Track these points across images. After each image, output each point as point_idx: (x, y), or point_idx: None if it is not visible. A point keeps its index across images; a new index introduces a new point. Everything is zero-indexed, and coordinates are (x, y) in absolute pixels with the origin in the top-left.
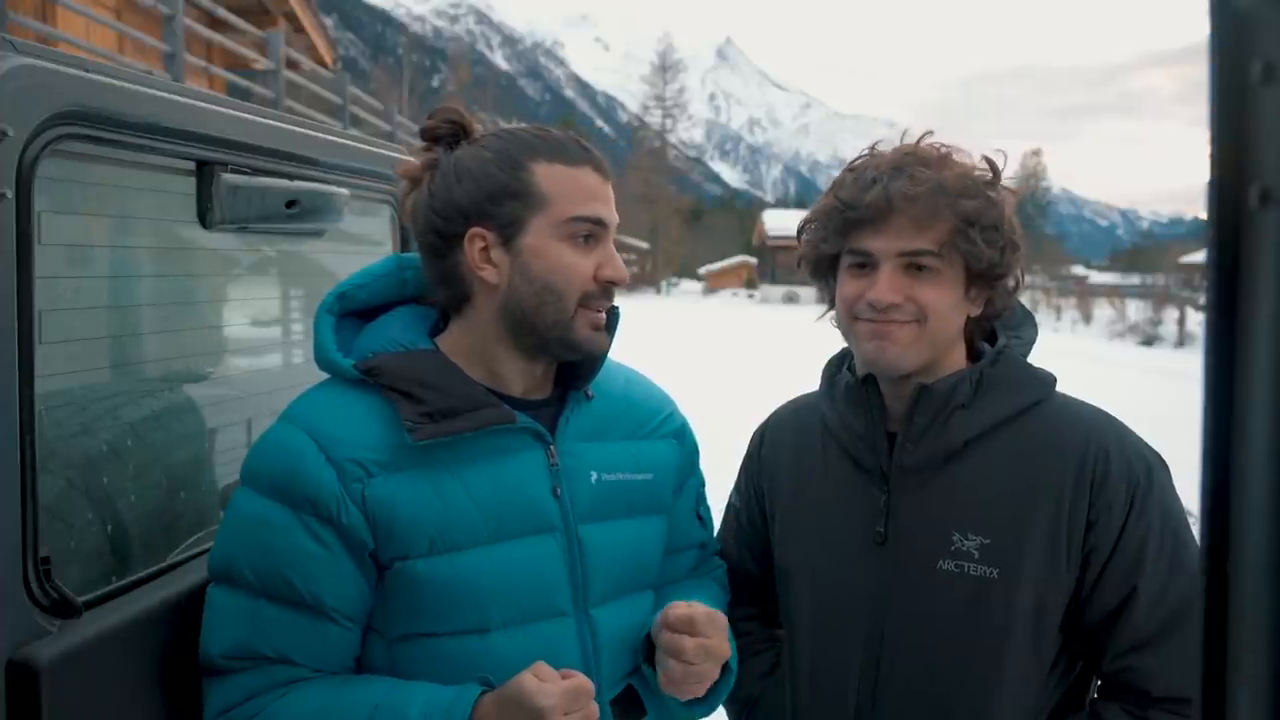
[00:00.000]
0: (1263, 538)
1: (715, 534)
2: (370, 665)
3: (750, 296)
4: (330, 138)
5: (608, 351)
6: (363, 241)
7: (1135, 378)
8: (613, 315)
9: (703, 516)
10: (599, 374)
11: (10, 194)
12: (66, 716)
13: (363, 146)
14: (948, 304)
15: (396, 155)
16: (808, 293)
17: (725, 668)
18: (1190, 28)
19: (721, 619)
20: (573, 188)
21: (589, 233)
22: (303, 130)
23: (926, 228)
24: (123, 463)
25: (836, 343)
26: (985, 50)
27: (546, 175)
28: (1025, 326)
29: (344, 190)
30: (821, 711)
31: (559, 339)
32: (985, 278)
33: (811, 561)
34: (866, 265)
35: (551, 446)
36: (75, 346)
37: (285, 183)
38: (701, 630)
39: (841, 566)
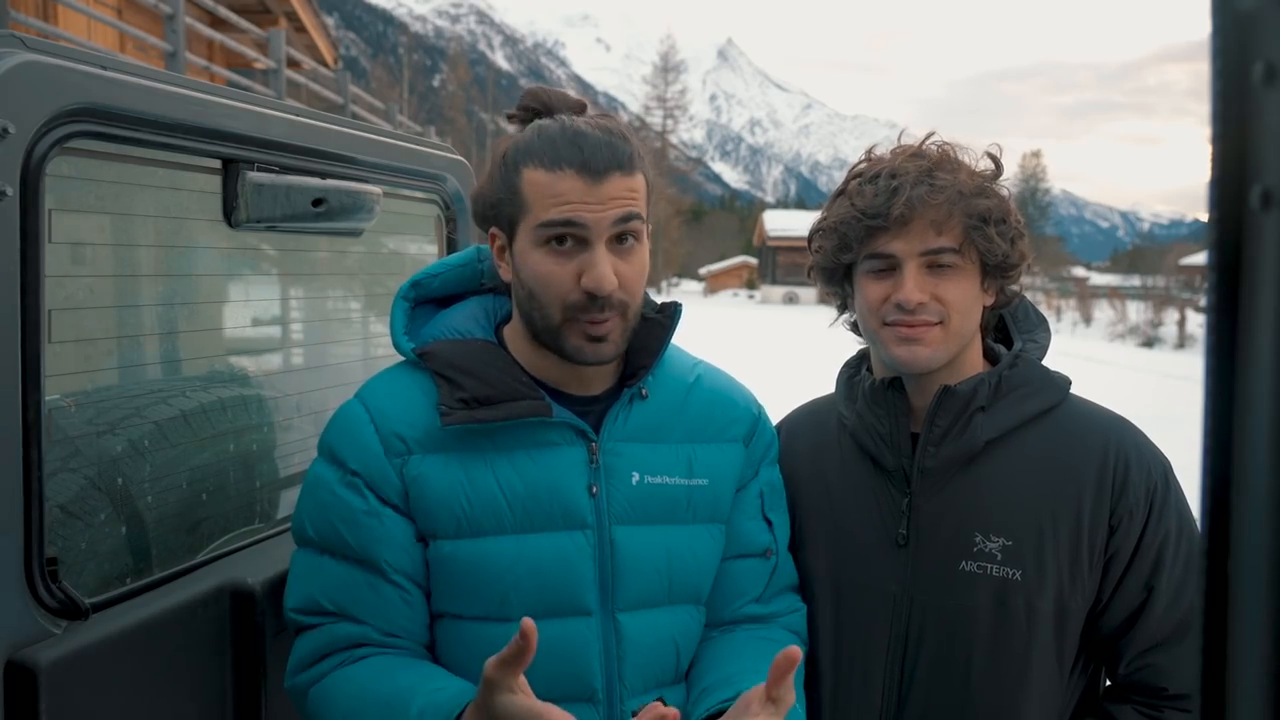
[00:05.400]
0: (1263, 538)
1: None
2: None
3: (751, 297)
4: (368, 135)
5: (608, 362)
6: (407, 241)
7: (1136, 379)
8: (674, 311)
9: (771, 520)
10: (665, 372)
11: (11, 191)
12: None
13: (405, 144)
14: (968, 299)
15: (442, 154)
16: (808, 294)
17: None
18: (1209, 21)
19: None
20: (547, 193)
21: (562, 237)
22: (337, 128)
23: (945, 228)
24: (137, 464)
25: (839, 344)
26: (994, 48)
27: (530, 181)
28: (1039, 330)
29: (375, 188)
30: (847, 712)
31: (554, 346)
32: (1000, 269)
33: (832, 564)
34: (888, 268)
35: (594, 444)
36: (88, 346)
37: (312, 180)
38: None
39: (863, 569)
